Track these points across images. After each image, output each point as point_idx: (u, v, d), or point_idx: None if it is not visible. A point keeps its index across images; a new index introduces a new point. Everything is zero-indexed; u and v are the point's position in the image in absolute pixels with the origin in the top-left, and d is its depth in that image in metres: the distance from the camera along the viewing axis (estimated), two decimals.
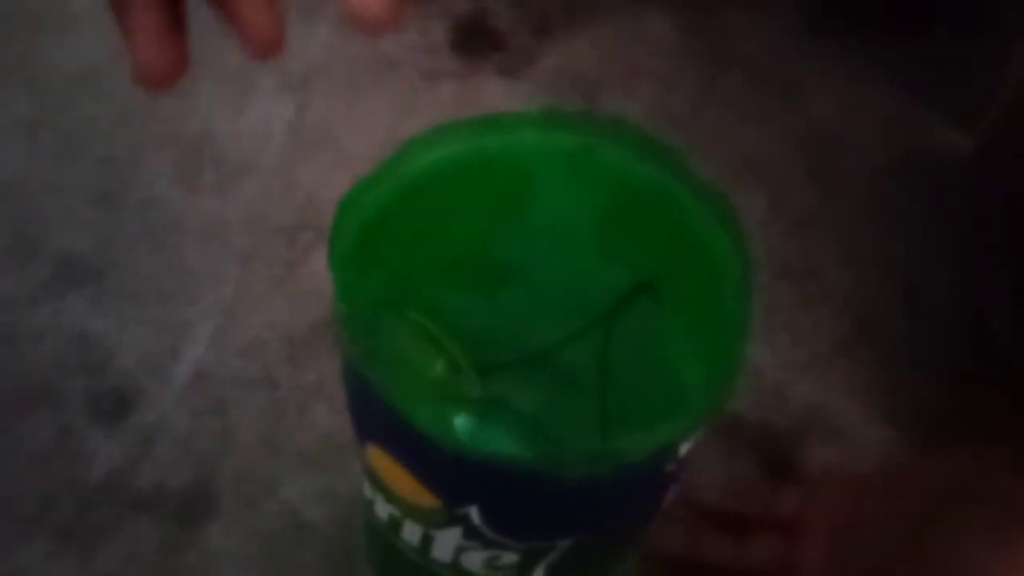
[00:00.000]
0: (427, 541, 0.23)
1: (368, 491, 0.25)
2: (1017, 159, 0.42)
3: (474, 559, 0.23)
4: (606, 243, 0.28)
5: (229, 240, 0.45)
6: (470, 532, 0.22)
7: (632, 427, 0.22)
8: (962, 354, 0.43)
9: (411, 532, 0.24)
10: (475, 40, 0.52)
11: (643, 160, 0.27)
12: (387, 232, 0.24)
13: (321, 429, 0.40)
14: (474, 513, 0.21)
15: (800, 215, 0.48)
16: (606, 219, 0.28)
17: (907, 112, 0.52)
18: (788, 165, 0.50)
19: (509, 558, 0.23)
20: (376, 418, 0.22)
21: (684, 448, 0.21)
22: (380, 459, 0.22)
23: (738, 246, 0.26)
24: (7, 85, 0.49)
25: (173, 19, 0.23)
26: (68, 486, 0.38)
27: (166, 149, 0.48)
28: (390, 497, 0.23)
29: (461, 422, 0.23)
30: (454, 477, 0.21)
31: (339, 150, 0.48)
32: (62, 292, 0.43)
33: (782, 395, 0.42)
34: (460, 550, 0.23)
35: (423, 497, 0.22)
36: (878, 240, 0.48)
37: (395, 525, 0.24)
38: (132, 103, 0.49)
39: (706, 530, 0.35)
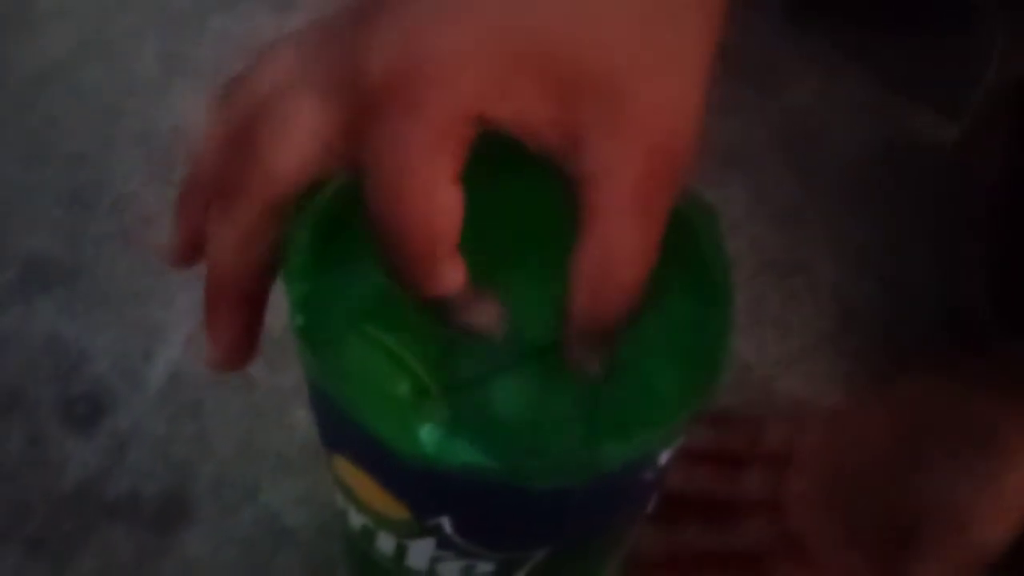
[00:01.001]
0: (401, 551, 0.22)
1: (340, 501, 0.24)
2: (997, 148, 0.42)
3: (450, 569, 0.22)
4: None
5: None
6: (444, 542, 0.21)
7: (611, 432, 0.21)
8: (945, 344, 0.43)
9: (385, 542, 0.23)
10: None
11: None
12: (348, 231, 0.23)
13: (300, 432, 0.39)
14: (446, 524, 0.20)
15: (782, 207, 0.47)
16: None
17: (888, 101, 0.51)
18: (769, 156, 0.50)
19: (485, 567, 0.22)
20: (341, 430, 0.21)
21: (664, 456, 0.20)
22: (348, 471, 0.22)
23: (717, 245, 0.25)
24: None
25: (256, 321, 0.23)
26: (40, 495, 0.37)
27: (137, 146, 0.47)
28: (361, 508, 0.22)
29: (428, 432, 0.22)
30: (423, 489, 0.20)
31: None
32: (31, 295, 0.42)
33: (768, 390, 0.41)
34: (435, 560, 0.22)
35: (393, 509, 0.21)
36: (861, 230, 0.47)
37: (369, 535, 0.23)
38: (101, 100, 0.48)
39: (697, 465, 0.35)
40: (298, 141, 0.21)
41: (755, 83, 0.51)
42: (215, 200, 0.22)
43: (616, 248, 0.20)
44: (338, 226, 0.24)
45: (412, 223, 0.19)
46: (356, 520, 0.23)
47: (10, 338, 0.41)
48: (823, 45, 0.53)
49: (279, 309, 0.42)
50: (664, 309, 0.26)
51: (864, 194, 0.48)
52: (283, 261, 0.22)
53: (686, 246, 0.24)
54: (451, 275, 0.20)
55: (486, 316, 0.21)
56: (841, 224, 0.47)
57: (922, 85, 0.51)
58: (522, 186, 0.22)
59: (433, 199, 0.19)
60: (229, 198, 0.22)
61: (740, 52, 0.52)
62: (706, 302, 0.23)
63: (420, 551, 0.22)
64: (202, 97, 0.48)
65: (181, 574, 0.36)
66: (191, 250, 0.23)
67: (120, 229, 0.44)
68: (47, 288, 0.42)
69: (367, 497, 0.21)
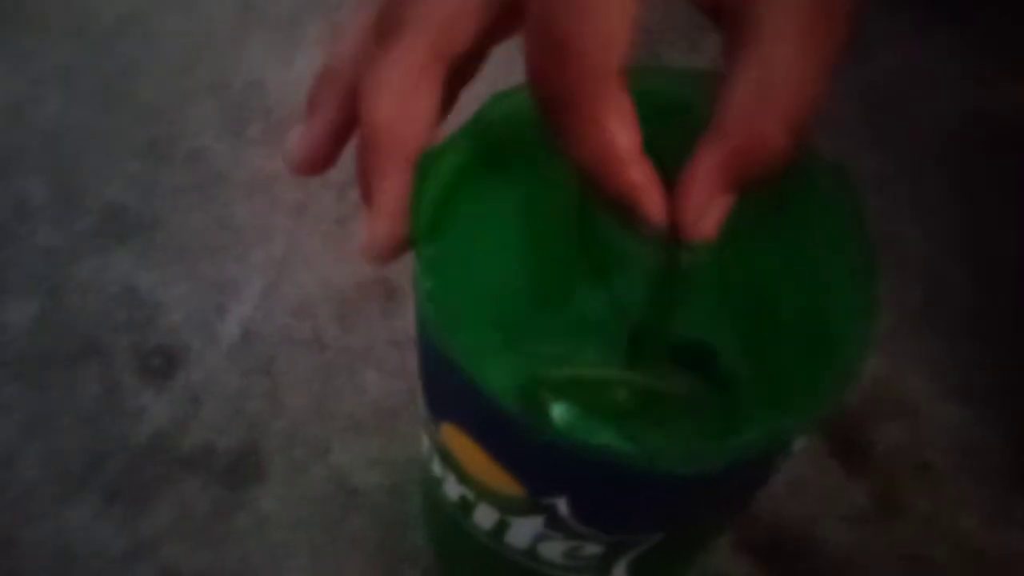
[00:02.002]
0: (502, 526, 0.21)
1: (437, 469, 0.23)
2: None
3: (553, 548, 0.21)
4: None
5: (278, 194, 0.43)
6: (554, 522, 0.20)
7: (748, 417, 0.19)
8: None
9: (485, 516, 0.22)
10: None
11: None
12: (472, 198, 0.21)
13: (371, 394, 0.38)
14: (562, 504, 0.19)
15: (871, 178, 0.45)
16: None
17: (982, 71, 0.49)
18: (857, 126, 0.47)
19: (592, 549, 0.21)
20: (457, 397, 0.20)
21: (799, 443, 0.19)
22: (457, 439, 0.20)
23: (860, 220, 0.23)
24: (46, 32, 0.47)
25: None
26: (115, 445, 0.37)
27: (213, 98, 0.46)
28: (464, 479, 0.21)
29: (560, 409, 0.20)
30: (545, 467, 0.18)
31: None
32: (107, 245, 0.41)
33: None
34: (539, 538, 0.21)
35: (505, 484, 0.20)
36: (951, 206, 0.45)
37: (466, 507, 0.22)
38: (177, 50, 0.47)
39: None
40: None
41: (848, 55, 0.49)
42: (369, 53, 0.19)
43: (781, 69, 0.16)
44: (469, 185, 0.21)
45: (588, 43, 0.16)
46: (454, 491, 0.22)
47: (87, 287, 0.40)
48: (915, 11, 0.50)
49: (352, 268, 0.41)
50: (802, 287, 0.23)
51: (955, 168, 0.46)
52: (411, 213, 0.20)
53: (826, 219, 0.22)
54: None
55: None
56: (931, 198, 0.45)
57: (1019, 54, 0.48)
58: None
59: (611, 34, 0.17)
60: (387, 40, 0.19)
61: None
62: (847, 283, 0.21)
63: (525, 528, 0.21)
64: (278, 51, 0.47)
65: (254, 529, 0.35)
66: (326, 148, 0.21)
67: (195, 182, 0.43)
68: (123, 238, 0.42)
69: (475, 469, 0.20)
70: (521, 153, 0.21)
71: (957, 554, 0.36)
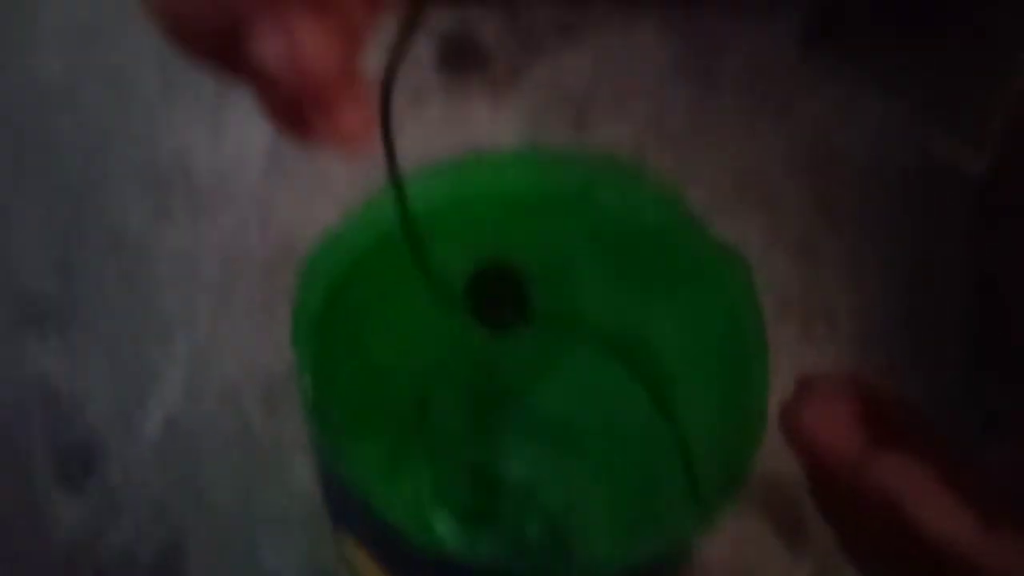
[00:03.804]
0: None
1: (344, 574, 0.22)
2: None
3: None
4: (604, 291, 0.25)
5: (202, 276, 0.41)
6: None
7: (640, 522, 0.18)
8: (980, 387, 0.40)
9: None
10: (462, 58, 0.48)
11: (644, 204, 0.25)
12: (360, 296, 0.20)
13: (302, 486, 0.36)
14: None
15: (800, 237, 0.44)
16: (603, 264, 0.25)
17: (908, 125, 0.48)
18: (786, 183, 0.46)
19: None
20: (351, 511, 0.18)
21: (698, 543, 0.17)
22: (355, 553, 0.19)
23: (749, 296, 0.22)
24: None
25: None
26: (29, 554, 0.34)
27: (135, 177, 0.43)
28: None
29: (445, 522, 0.20)
30: None
31: (320, 175, 0.43)
32: (23, 335, 0.39)
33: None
34: None
35: None
36: (883, 265, 0.44)
37: None
38: (100, 128, 0.44)
39: None
40: None
41: (771, 108, 0.48)
42: None
43: None
44: (350, 287, 0.21)
45: None
46: None
47: (1, 381, 0.37)
48: (841, 69, 0.49)
49: (280, 351, 0.39)
50: (694, 377, 0.23)
51: (886, 223, 0.45)
52: (292, 324, 0.20)
53: (717, 301, 0.22)
54: None
55: None
56: (862, 258, 0.44)
57: (944, 109, 0.48)
58: None
59: None
60: None
61: (758, 78, 0.49)
62: (738, 370, 0.20)
63: None
64: (204, 122, 0.45)
65: None
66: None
67: (116, 265, 0.40)
68: (40, 327, 0.39)
69: None
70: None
71: None
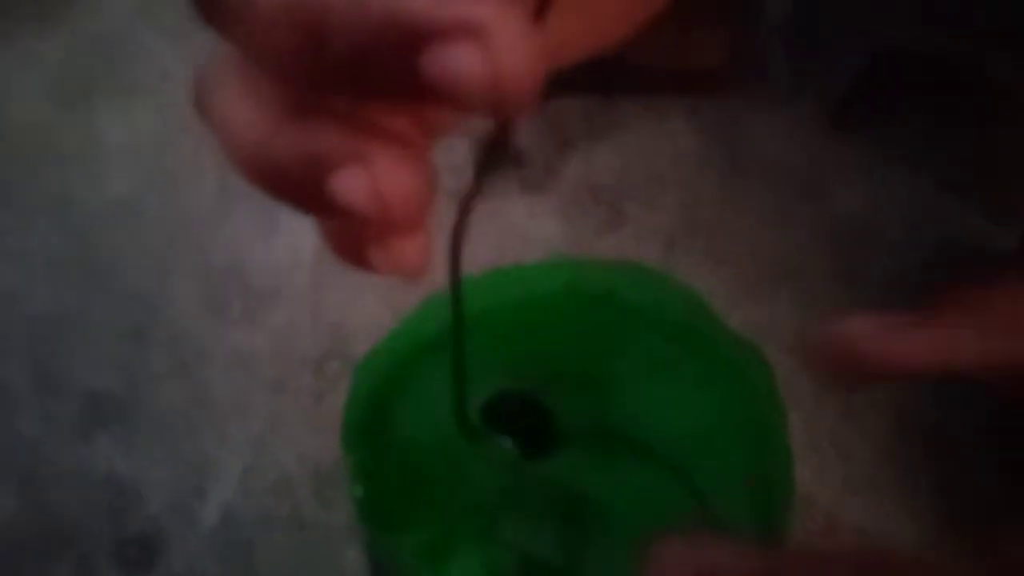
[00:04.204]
0: None
1: None
2: None
3: None
4: (629, 389, 0.26)
5: (257, 371, 0.42)
6: None
7: None
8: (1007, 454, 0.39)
9: None
10: (498, 158, 0.50)
11: (668, 303, 0.26)
12: (405, 397, 0.22)
13: (353, 572, 0.37)
14: None
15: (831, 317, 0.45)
16: (629, 364, 0.26)
17: (937, 205, 0.49)
18: (817, 266, 0.47)
19: None
20: None
21: None
22: None
23: (771, 395, 0.23)
24: (38, 222, 0.47)
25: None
26: None
27: (195, 279, 0.45)
28: None
29: None
30: None
31: (367, 275, 0.46)
32: (88, 432, 0.40)
33: (833, 522, 0.38)
34: None
35: None
36: None
37: None
38: (162, 235, 0.47)
39: None
40: None
41: (803, 193, 0.49)
42: None
43: None
44: (397, 389, 0.22)
45: None
46: None
47: (66, 475, 0.39)
48: (869, 152, 0.51)
49: (331, 442, 0.40)
50: (720, 461, 0.24)
51: (916, 302, 0.45)
52: (342, 428, 0.21)
53: (739, 393, 0.23)
54: None
55: None
56: None
57: (972, 188, 0.49)
58: None
59: None
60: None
61: (785, 164, 0.51)
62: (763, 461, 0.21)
63: None
64: (258, 229, 0.47)
65: None
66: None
67: (176, 363, 0.42)
68: (104, 424, 0.41)
69: None
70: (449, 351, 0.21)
71: None
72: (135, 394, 0.42)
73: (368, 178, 0.16)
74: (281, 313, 0.44)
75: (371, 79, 0.15)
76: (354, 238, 0.18)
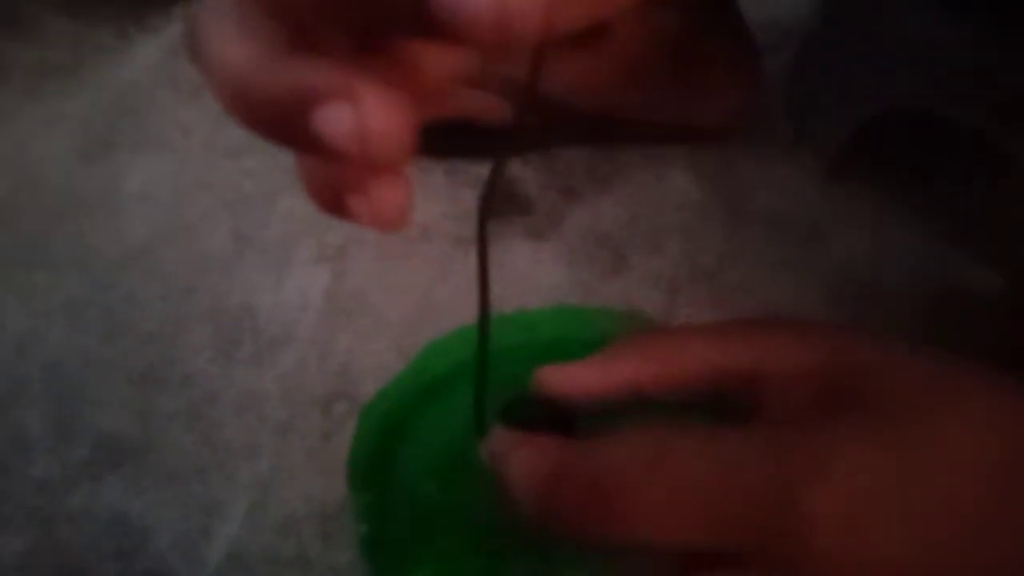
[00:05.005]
0: None
1: None
2: None
3: None
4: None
5: (266, 412, 0.43)
6: None
7: None
8: None
9: None
10: (503, 205, 0.51)
11: None
12: (410, 437, 0.22)
13: None
14: None
15: None
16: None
17: (935, 253, 0.49)
18: (816, 313, 0.47)
19: None
20: None
21: None
22: None
23: None
24: (57, 267, 0.48)
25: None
26: None
27: (207, 323, 0.46)
28: None
29: None
30: None
31: (374, 317, 0.46)
32: (99, 473, 0.41)
33: None
34: None
35: None
36: None
37: None
38: (178, 280, 0.48)
39: None
40: None
41: (802, 242, 0.50)
42: None
43: None
44: (401, 431, 0.23)
45: None
46: None
47: (78, 517, 0.39)
48: (868, 202, 0.51)
49: (337, 483, 0.40)
50: None
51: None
52: (348, 469, 0.21)
53: None
54: None
55: None
56: None
57: (971, 234, 0.49)
58: None
59: None
60: None
61: (785, 212, 0.51)
62: None
63: None
64: (269, 274, 0.48)
65: None
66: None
67: (186, 405, 0.43)
68: (115, 465, 0.41)
69: None
70: (452, 394, 0.21)
71: None
72: (146, 435, 0.42)
73: (353, 114, 0.16)
74: (290, 355, 0.44)
75: (373, 7, 0.15)
76: (335, 186, 0.17)
